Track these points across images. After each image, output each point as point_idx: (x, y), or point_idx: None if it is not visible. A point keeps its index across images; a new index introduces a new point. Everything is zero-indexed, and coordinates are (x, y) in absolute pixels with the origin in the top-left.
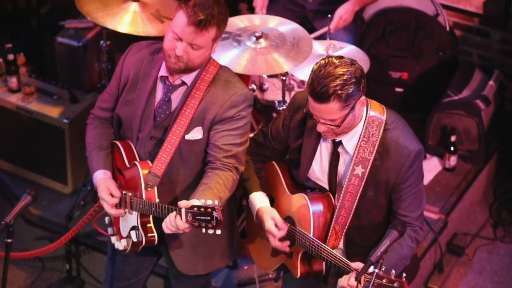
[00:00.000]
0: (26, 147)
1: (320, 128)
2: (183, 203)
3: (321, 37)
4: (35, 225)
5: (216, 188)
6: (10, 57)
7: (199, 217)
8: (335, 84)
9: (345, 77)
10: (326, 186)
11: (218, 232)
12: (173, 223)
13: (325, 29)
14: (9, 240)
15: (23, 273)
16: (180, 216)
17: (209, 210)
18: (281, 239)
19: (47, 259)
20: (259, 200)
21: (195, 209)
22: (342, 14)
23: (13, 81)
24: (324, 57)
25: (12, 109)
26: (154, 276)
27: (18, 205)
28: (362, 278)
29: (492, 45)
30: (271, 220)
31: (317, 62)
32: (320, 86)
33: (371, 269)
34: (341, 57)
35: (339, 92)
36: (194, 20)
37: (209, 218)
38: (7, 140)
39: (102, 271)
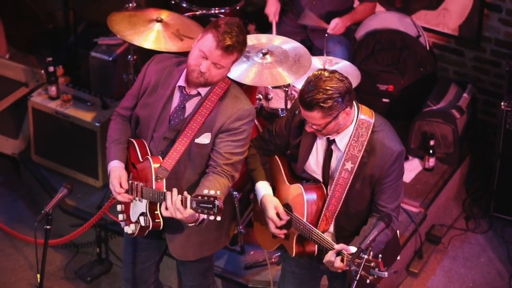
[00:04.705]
0: (63, 147)
1: (307, 128)
2: (186, 193)
3: (319, 54)
4: (71, 214)
5: (214, 190)
6: (51, 69)
7: (202, 205)
8: (318, 97)
9: (329, 92)
10: (320, 178)
11: (219, 218)
12: (179, 206)
13: (321, 22)
14: (48, 227)
15: (60, 256)
16: (185, 203)
17: (211, 199)
18: (280, 227)
19: (81, 244)
20: (263, 188)
21: (199, 197)
22: (338, 22)
23: (52, 90)
24: (320, 69)
25: (51, 114)
26: (167, 258)
27: (56, 197)
28: (345, 257)
29: (466, 62)
30: (274, 209)
31: (313, 73)
32: (306, 96)
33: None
34: (333, 72)
35: (321, 104)
36: (222, 44)
37: (211, 205)
38: (47, 140)
39: None
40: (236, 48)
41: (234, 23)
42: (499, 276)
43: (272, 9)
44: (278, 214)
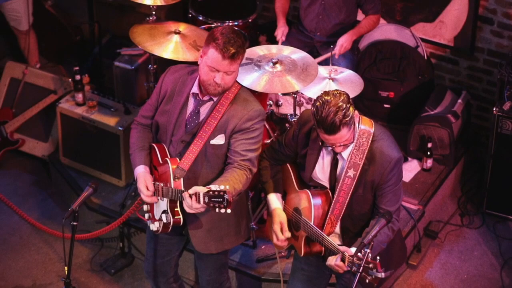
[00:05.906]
0: (89, 149)
1: (339, 149)
2: (199, 188)
3: (324, 62)
4: (96, 211)
5: (232, 181)
6: (77, 77)
7: (214, 199)
8: (339, 116)
9: (343, 106)
10: (326, 185)
11: (229, 211)
12: (189, 203)
13: (327, 55)
14: (74, 223)
15: (86, 250)
16: (198, 199)
17: (221, 193)
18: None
19: (105, 238)
20: (275, 202)
21: (211, 192)
22: (343, 43)
23: (79, 97)
24: (315, 99)
25: (78, 119)
26: (187, 253)
27: (82, 195)
28: (346, 258)
29: (461, 71)
30: (279, 224)
31: (314, 106)
32: (327, 122)
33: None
34: (327, 93)
35: (344, 120)
36: (228, 54)
37: (221, 199)
38: (74, 143)
39: None
40: (240, 53)
41: (229, 31)
42: (491, 268)
43: (280, 32)
44: (282, 230)
